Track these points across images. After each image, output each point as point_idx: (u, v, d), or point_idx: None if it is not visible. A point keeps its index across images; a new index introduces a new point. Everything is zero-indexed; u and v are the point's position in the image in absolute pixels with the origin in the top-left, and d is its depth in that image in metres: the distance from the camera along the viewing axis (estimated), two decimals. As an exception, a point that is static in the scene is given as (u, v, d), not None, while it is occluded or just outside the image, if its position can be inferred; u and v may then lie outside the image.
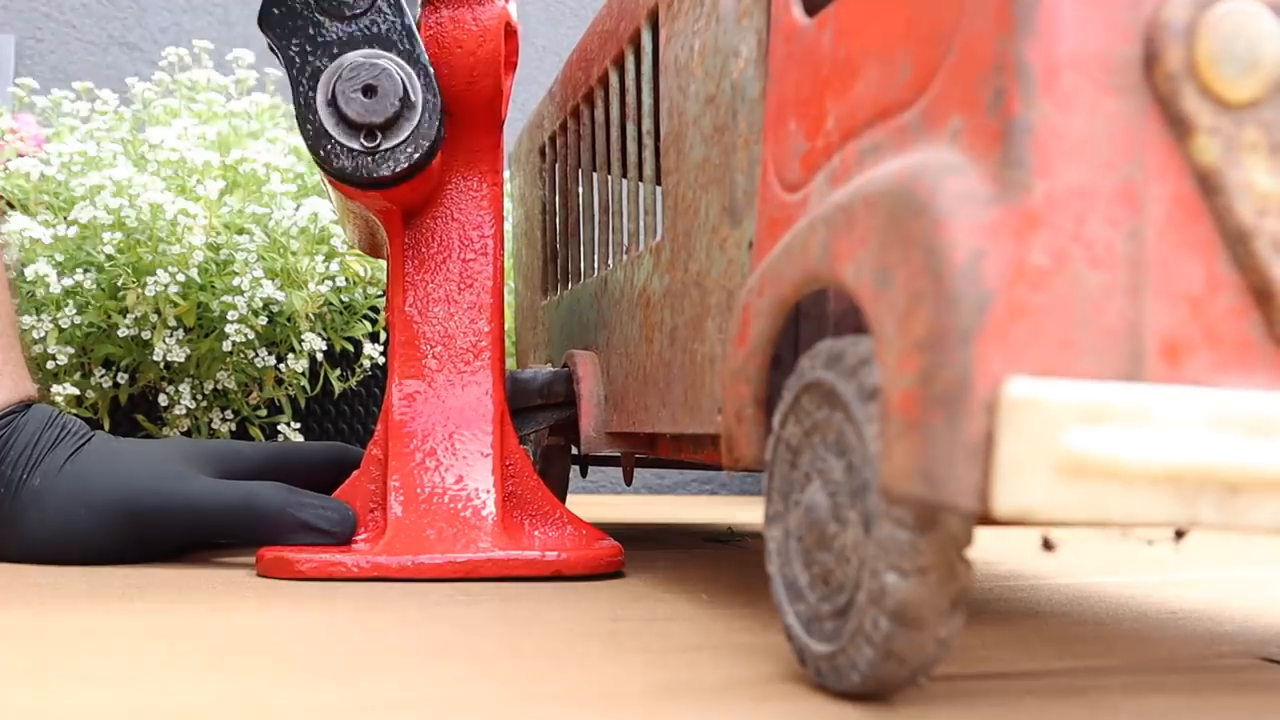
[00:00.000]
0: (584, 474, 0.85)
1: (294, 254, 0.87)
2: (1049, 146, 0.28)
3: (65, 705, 0.32)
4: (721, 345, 0.45)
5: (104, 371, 0.89)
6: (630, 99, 0.58)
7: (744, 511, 1.16)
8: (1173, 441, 0.27)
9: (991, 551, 0.77)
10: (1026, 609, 0.53)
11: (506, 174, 0.91)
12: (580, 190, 0.72)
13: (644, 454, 0.65)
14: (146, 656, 0.38)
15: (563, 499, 0.81)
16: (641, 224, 0.59)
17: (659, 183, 0.55)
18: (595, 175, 0.68)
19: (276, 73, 1.07)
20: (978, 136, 0.28)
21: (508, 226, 0.96)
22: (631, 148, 0.59)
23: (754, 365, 0.37)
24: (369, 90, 0.58)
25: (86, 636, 0.42)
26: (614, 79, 0.61)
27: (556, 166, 0.76)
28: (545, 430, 0.73)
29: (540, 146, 0.80)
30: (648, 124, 0.56)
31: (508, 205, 0.96)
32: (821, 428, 0.33)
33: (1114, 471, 0.27)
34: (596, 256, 0.68)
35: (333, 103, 0.58)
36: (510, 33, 0.65)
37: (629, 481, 0.74)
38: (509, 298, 0.96)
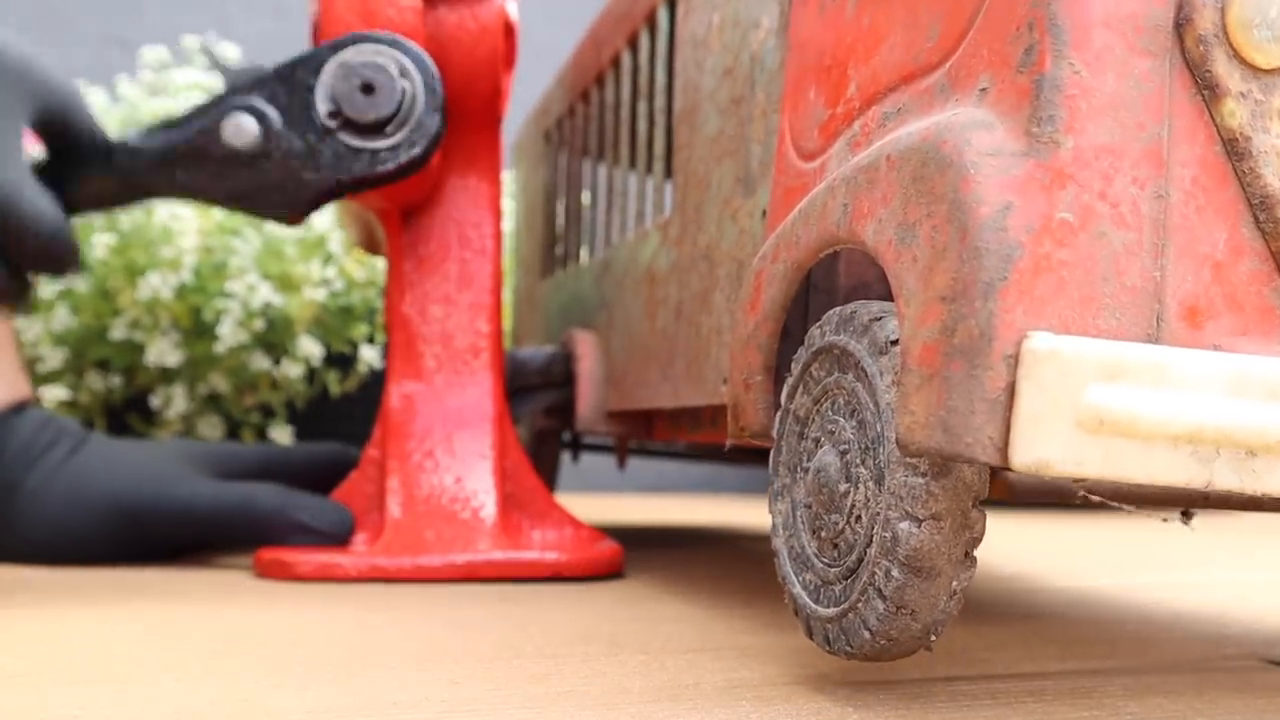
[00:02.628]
0: (575, 459, 0.84)
1: (289, 260, 0.86)
2: (1079, 104, 0.28)
3: (63, 706, 0.31)
4: (729, 317, 0.44)
5: (97, 374, 0.89)
6: (643, 78, 0.58)
7: (744, 511, 1.16)
8: (1191, 402, 0.27)
9: (994, 553, 0.77)
10: (1028, 610, 0.52)
11: (506, 172, 0.91)
12: (586, 171, 0.72)
13: (639, 439, 0.64)
14: (144, 657, 0.38)
15: (553, 485, 0.81)
16: (649, 202, 0.59)
17: (669, 159, 0.55)
18: (603, 156, 0.68)
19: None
20: (1007, 93, 0.28)
21: (507, 225, 0.96)
22: (642, 126, 0.58)
23: (765, 332, 0.37)
24: (368, 88, 0.58)
25: (83, 637, 0.41)
26: (626, 59, 0.61)
27: (562, 149, 0.76)
28: (539, 412, 0.72)
29: (545, 131, 0.80)
30: (660, 101, 0.56)
31: (507, 204, 0.96)
32: (831, 392, 0.33)
33: (1133, 429, 0.27)
34: (599, 237, 0.68)
35: (336, 110, 0.58)
36: (509, 31, 0.65)
37: (622, 466, 0.74)
38: (508, 296, 0.95)
